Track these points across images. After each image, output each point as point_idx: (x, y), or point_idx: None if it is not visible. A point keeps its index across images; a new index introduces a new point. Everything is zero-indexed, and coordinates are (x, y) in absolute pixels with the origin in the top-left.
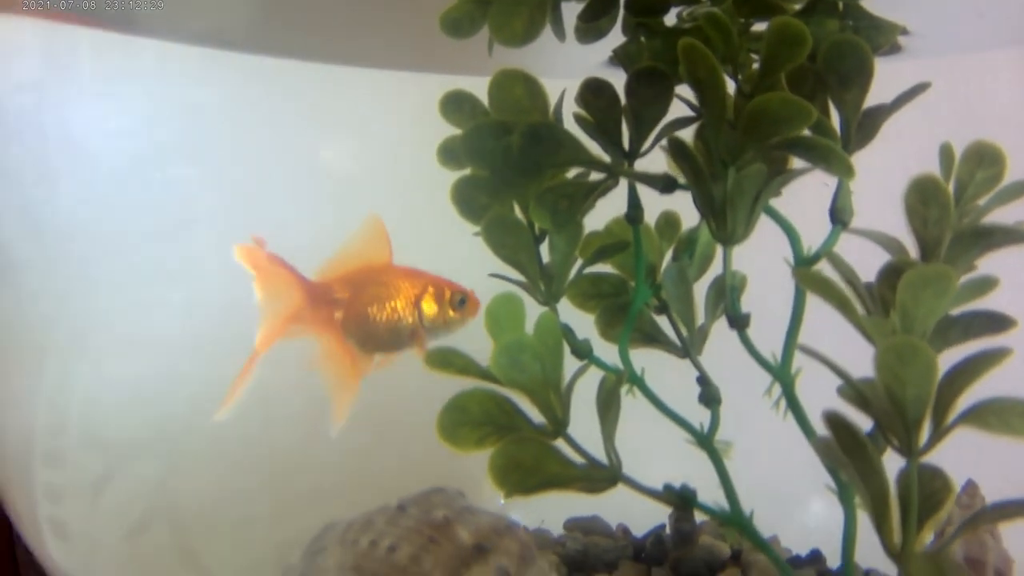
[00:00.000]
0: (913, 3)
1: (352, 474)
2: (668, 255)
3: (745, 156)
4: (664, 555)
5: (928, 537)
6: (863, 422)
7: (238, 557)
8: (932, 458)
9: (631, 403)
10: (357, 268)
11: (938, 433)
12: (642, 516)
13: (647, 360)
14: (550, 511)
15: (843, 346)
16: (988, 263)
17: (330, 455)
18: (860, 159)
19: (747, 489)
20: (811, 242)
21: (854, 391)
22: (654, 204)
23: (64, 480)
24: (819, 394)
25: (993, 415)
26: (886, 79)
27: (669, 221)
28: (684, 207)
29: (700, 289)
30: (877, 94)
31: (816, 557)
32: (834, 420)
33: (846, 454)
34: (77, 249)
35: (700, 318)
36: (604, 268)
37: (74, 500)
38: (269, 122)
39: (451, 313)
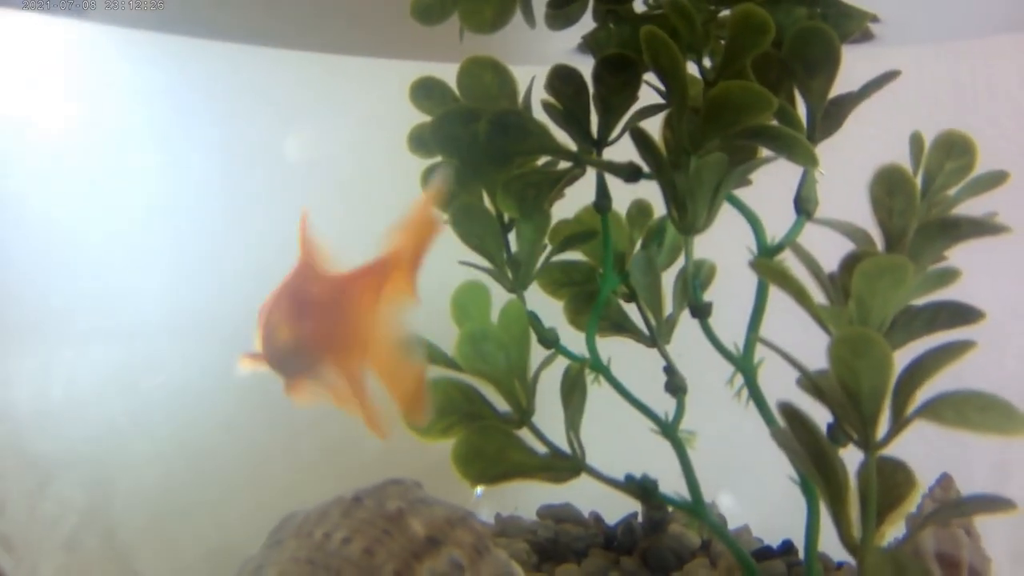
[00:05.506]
0: None
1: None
2: (639, 243)
3: (708, 145)
4: (634, 543)
5: (889, 531)
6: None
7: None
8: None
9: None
10: None
11: (897, 426)
12: (617, 503)
13: (619, 350)
14: (526, 497)
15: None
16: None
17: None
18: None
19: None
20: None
21: (811, 383)
22: (628, 192)
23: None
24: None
25: (950, 408)
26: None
27: (641, 209)
28: (656, 195)
29: (670, 278)
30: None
31: (788, 548)
32: (789, 412)
33: (802, 446)
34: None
35: (669, 307)
36: (576, 256)
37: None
38: (246, 110)
39: None
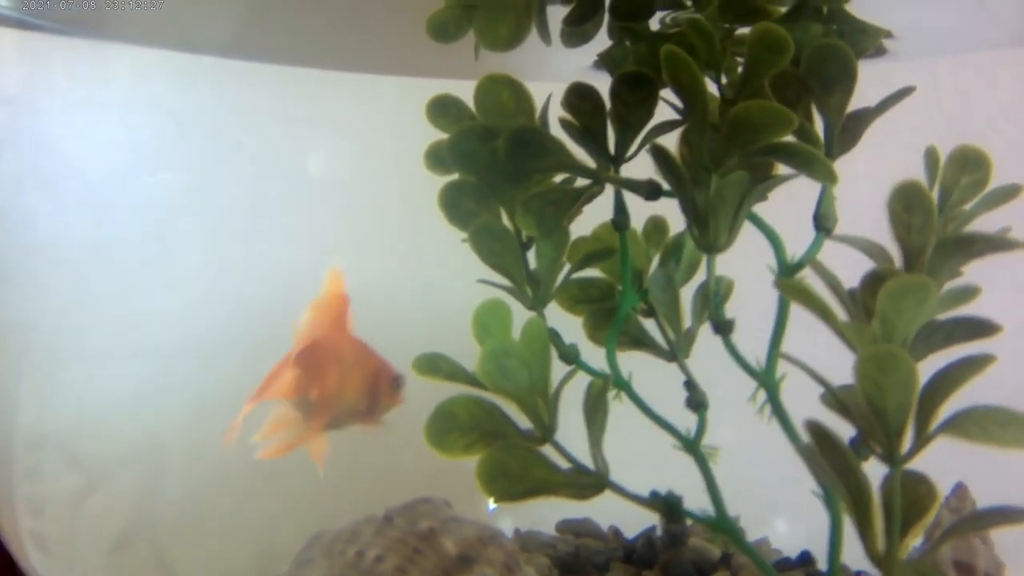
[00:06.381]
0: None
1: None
2: (656, 260)
3: (728, 162)
4: (655, 557)
5: (912, 543)
6: (849, 428)
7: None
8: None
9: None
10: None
11: (921, 441)
12: (635, 518)
13: (637, 365)
14: (544, 513)
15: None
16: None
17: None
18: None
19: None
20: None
21: (835, 400)
22: (644, 208)
23: (44, 493)
24: (811, 396)
25: (973, 424)
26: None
27: (657, 226)
28: (672, 212)
29: (689, 293)
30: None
31: (806, 559)
32: (815, 429)
33: (827, 461)
34: (57, 258)
35: (687, 322)
36: (593, 273)
37: (55, 513)
38: (260, 128)
39: None
